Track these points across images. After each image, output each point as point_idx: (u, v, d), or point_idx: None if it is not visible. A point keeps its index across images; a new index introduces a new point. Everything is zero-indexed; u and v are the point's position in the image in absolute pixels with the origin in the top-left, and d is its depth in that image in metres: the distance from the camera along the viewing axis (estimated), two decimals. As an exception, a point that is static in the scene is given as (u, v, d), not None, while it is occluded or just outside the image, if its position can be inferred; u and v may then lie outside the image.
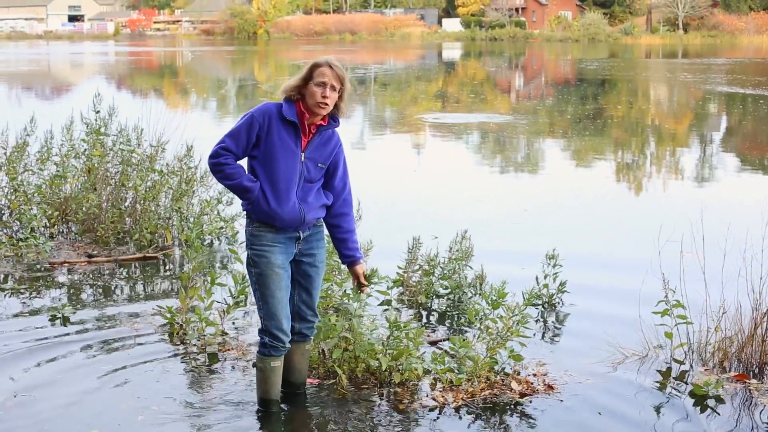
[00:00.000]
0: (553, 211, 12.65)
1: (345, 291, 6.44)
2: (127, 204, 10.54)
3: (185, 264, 9.27)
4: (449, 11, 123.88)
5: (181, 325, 7.26)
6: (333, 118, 5.60)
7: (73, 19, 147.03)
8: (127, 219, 10.45)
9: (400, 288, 8.29)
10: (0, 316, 7.77)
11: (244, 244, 5.70)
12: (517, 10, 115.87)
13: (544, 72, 51.56)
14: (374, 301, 7.39)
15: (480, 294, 8.04)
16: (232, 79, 45.73)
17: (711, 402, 6.16)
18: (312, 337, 6.01)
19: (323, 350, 6.42)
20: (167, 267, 9.53)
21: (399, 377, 6.20)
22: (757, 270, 7.00)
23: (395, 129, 23.46)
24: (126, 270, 9.38)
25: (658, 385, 6.49)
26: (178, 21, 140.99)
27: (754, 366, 6.61)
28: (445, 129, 22.90)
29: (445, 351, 6.78)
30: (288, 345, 5.69)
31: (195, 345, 7.06)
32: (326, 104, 5.47)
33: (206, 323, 7.10)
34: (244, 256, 5.76)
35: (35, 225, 10.20)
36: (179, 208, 10.25)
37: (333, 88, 5.47)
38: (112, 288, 8.78)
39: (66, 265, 9.39)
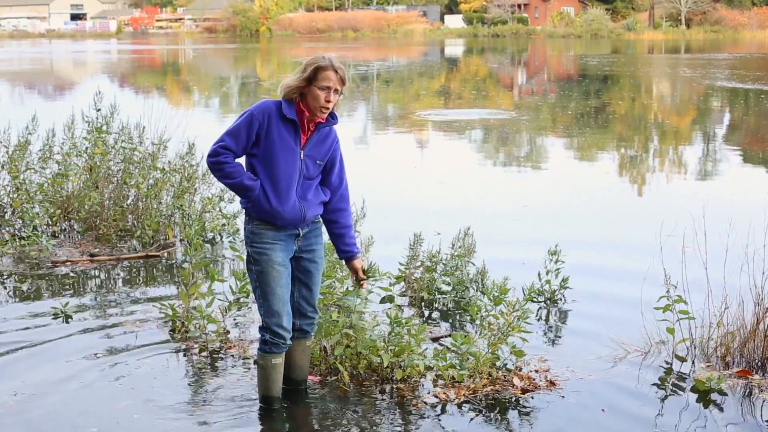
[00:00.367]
0: (555, 207, 12.64)
1: (347, 288, 6.43)
2: (129, 202, 10.55)
3: (186, 261, 9.28)
4: (451, 8, 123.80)
5: (183, 323, 7.26)
6: (331, 114, 5.59)
7: (75, 17, 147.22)
8: (129, 217, 10.47)
9: (402, 284, 8.28)
10: (2, 314, 7.78)
11: (244, 241, 5.70)
12: (519, 6, 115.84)
13: (546, 68, 51.53)
14: (376, 298, 7.38)
15: (482, 290, 8.03)
16: (234, 76, 45.74)
17: (714, 397, 6.15)
18: (313, 334, 6.01)
19: (325, 347, 6.42)
20: (169, 265, 9.53)
21: (401, 374, 6.19)
22: (759, 265, 6.98)
23: (397, 126, 23.43)
24: (128, 268, 9.38)
25: (660, 381, 6.48)
26: (180, 19, 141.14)
27: (757, 361, 6.60)
28: (446, 126, 22.88)
29: (447, 347, 6.78)
30: (289, 342, 5.69)
31: (196, 342, 7.06)
32: (329, 108, 5.47)
33: (208, 320, 7.11)
34: (244, 253, 5.76)
35: (37, 223, 10.20)
36: (181, 205, 10.25)
37: (336, 91, 5.46)
38: (114, 286, 8.79)
39: (68, 263, 9.40)
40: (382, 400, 6.04)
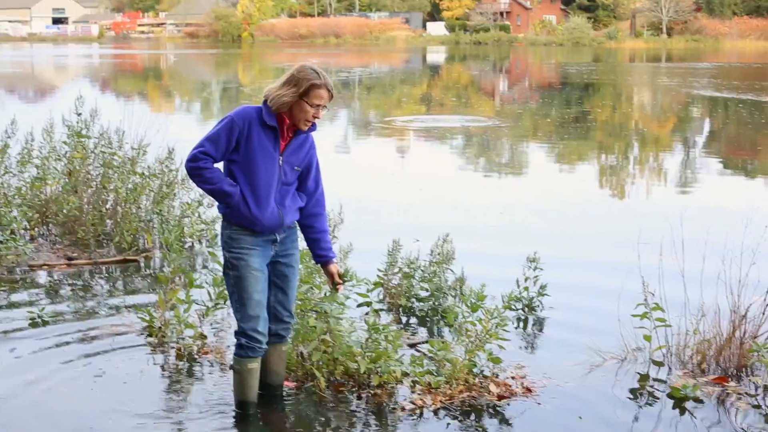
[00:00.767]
0: (534, 215, 12.66)
1: (325, 293, 6.43)
2: (108, 206, 10.51)
3: (165, 266, 9.25)
4: (434, 15, 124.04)
5: (160, 328, 7.24)
6: (310, 122, 5.62)
7: (57, 21, 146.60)
8: (107, 221, 10.43)
9: (380, 291, 8.28)
10: (-22, 319, 7.74)
11: (221, 246, 5.69)
12: (501, 14, 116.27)
13: (527, 76, 51.66)
14: (353, 304, 7.38)
15: (460, 297, 8.04)
16: (215, 82, 45.66)
17: (689, 404, 6.18)
18: (289, 339, 6.01)
19: (302, 353, 6.41)
20: (147, 269, 9.50)
21: (378, 380, 6.19)
22: (736, 273, 7.01)
23: (377, 132, 23.43)
24: (106, 272, 9.35)
25: (636, 387, 6.50)
26: (162, 24, 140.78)
27: (732, 369, 6.64)
28: (427, 132, 22.90)
29: (424, 354, 6.79)
30: (265, 346, 5.69)
31: (173, 347, 7.04)
32: (314, 123, 5.52)
33: (185, 325, 7.09)
34: (222, 258, 5.76)
35: (15, 227, 10.15)
36: (160, 210, 10.22)
37: (324, 107, 5.50)
38: (92, 290, 8.75)
39: (45, 267, 9.36)
40: (359, 406, 6.03)
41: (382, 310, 7.99)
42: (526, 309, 8.18)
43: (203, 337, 7.13)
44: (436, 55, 79.13)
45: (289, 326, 5.91)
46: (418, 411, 5.95)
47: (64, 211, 10.30)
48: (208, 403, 6.05)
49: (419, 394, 6.13)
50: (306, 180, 5.75)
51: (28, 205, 10.42)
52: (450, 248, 8.43)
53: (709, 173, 17.06)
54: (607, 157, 19.50)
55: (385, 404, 6.04)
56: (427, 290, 8.22)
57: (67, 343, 7.21)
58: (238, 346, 5.67)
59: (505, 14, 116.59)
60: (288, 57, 65.81)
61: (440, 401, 6.06)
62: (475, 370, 6.34)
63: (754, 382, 6.48)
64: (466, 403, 6.08)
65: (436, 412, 5.95)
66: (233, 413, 5.86)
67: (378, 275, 8.28)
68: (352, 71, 51.45)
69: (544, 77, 49.74)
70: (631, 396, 6.36)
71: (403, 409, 5.97)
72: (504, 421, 5.89)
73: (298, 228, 5.86)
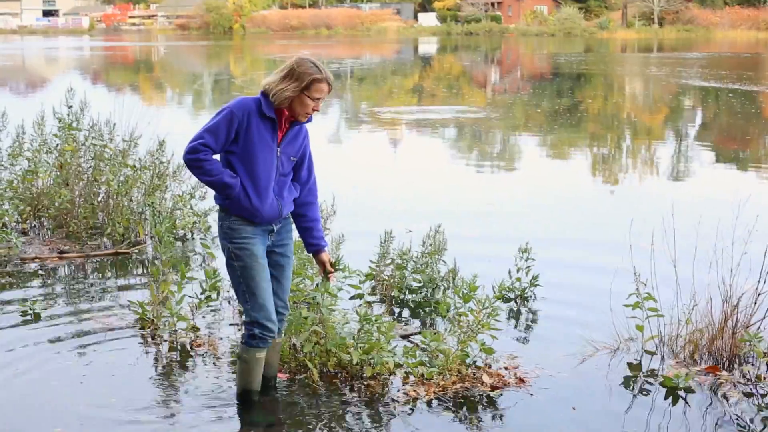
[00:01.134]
0: (526, 205, 12.68)
1: (317, 285, 6.42)
2: (99, 199, 10.48)
3: (157, 259, 9.23)
4: (425, 6, 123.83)
5: (152, 320, 7.24)
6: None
7: (47, 13, 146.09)
8: (99, 214, 10.40)
9: (372, 282, 8.27)
10: (-30, 312, 7.73)
11: (218, 238, 5.68)
12: (492, 4, 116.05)
13: (519, 66, 51.65)
14: (346, 295, 7.38)
15: (452, 288, 8.04)
16: (206, 73, 45.57)
17: (682, 394, 6.19)
18: (283, 330, 6.01)
19: (294, 344, 6.41)
20: (139, 262, 9.49)
21: (370, 371, 6.20)
22: (728, 263, 7.02)
23: (369, 123, 23.42)
24: (98, 265, 9.34)
25: (629, 377, 6.51)
26: (153, 16, 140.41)
27: (725, 358, 6.65)
28: (418, 123, 22.88)
29: (417, 345, 6.79)
30: (276, 336, 5.70)
31: (166, 340, 7.04)
32: (312, 115, 5.55)
33: (177, 318, 7.07)
34: (216, 250, 5.75)
35: (7, 220, 10.13)
36: (152, 203, 10.19)
37: (323, 99, 5.53)
38: (84, 283, 8.74)
39: (37, 260, 9.34)
40: (352, 397, 6.03)
41: (374, 301, 8.00)
42: (519, 300, 8.19)
43: (196, 329, 7.13)
44: (428, 46, 79.02)
45: (283, 317, 5.90)
46: (411, 402, 5.96)
47: (56, 204, 10.27)
48: (201, 395, 6.05)
49: (412, 385, 6.14)
50: (300, 170, 5.76)
51: (19, 198, 10.40)
52: (442, 239, 8.43)
53: (700, 163, 17.08)
54: (598, 148, 19.50)
55: (378, 395, 6.04)
56: (419, 281, 8.22)
57: (59, 335, 7.20)
58: (250, 336, 5.64)
59: (496, 5, 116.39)
60: (279, 48, 65.72)
61: (433, 392, 6.06)
62: (467, 360, 6.35)
63: (746, 372, 6.49)
64: (459, 393, 6.09)
65: (429, 403, 5.95)
66: (226, 405, 5.86)
67: (370, 267, 8.27)
68: (344, 62, 51.37)
69: (536, 68, 49.71)
70: (624, 386, 6.38)
71: (396, 400, 5.97)
72: (497, 411, 5.90)
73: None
